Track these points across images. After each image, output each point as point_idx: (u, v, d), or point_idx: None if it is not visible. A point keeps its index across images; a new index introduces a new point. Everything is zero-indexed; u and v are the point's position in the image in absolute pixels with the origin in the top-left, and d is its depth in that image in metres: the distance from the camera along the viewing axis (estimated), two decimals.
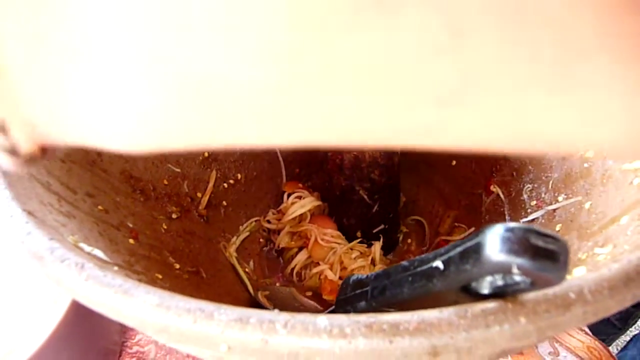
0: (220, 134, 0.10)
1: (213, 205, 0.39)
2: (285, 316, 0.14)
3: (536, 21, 0.08)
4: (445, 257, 0.16)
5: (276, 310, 0.14)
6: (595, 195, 0.27)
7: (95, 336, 0.32)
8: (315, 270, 0.39)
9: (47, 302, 0.28)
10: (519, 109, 0.09)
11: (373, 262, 0.40)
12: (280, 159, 0.45)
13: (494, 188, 0.38)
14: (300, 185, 0.45)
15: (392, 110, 0.09)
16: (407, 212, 0.45)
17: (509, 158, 0.37)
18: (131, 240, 0.26)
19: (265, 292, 0.37)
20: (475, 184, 0.40)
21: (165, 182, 0.35)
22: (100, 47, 0.09)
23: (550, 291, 0.14)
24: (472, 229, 0.40)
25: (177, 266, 0.30)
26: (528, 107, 0.09)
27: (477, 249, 0.14)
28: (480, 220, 0.39)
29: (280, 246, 0.42)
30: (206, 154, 0.39)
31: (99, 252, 0.20)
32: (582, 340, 0.38)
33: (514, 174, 0.36)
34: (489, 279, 0.14)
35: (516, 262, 0.13)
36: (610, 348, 0.38)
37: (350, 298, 0.22)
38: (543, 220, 0.31)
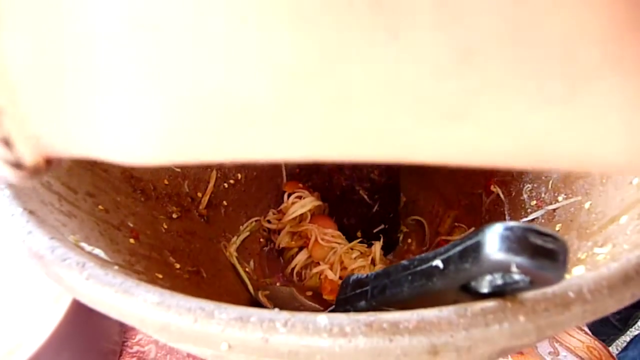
0: (225, 148, 0.10)
1: (213, 205, 0.39)
2: (285, 315, 0.14)
3: (542, 40, 0.08)
4: (444, 256, 0.16)
5: (276, 309, 0.14)
6: (594, 195, 0.27)
7: (96, 336, 0.32)
8: (315, 270, 0.40)
9: (48, 301, 0.28)
10: (522, 126, 0.09)
11: (373, 262, 0.40)
12: None
13: (494, 188, 0.38)
14: (301, 185, 0.45)
15: (397, 126, 0.09)
16: (407, 212, 0.45)
17: None
18: (132, 240, 0.26)
19: (265, 291, 0.37)
20: (475, 184, 0.40)
21: (166, 182, 0.35)
22: (105, 61, 0.09)
23: (549, 290, 0.14)
24: (472, 229, 0.40)
25: (178, 266, 0.30)
26: (531, 124, 0.09)
27: (477, 248, 0.14)
28: (480, 220, 0.39)
29: (281, 246, 0.42)
30: None
31: (99, 252, 0.20)
32: (582, 340, 0.38)
33: (514, 174, 0.36)
34: (488, 277, 0.14)
35: (515, 260, 0.13)
36: (610, 349, 0.38)
37: (350, 297, 0.22)
38: (543, 220, 0.32)
